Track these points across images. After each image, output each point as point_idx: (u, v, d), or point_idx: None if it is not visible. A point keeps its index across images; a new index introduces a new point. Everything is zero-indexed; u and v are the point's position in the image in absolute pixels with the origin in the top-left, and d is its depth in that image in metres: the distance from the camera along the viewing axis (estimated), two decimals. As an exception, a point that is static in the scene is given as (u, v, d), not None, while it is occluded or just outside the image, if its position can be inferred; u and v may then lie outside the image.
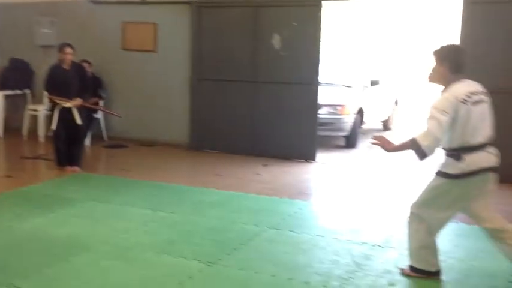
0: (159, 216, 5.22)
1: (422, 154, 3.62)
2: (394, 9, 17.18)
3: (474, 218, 3.86)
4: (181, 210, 5.43)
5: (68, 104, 6.78)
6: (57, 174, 6.79)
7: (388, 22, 19.08)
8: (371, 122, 9.97)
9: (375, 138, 3.87)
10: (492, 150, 3.72)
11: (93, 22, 9.04)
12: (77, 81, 6.92)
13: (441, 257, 3.92)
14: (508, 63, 6.62)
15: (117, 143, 8.59)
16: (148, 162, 7.63)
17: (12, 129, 9.38)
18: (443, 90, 3.72)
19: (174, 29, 8.53)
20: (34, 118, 9.09)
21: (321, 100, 7.85)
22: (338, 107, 8.65)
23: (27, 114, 9.10)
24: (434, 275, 3.90)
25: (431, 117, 3.61)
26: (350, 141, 8.97)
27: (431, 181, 3.84)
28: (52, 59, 8.47)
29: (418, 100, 15.41)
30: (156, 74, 8.73)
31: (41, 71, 9.10)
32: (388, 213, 5.43)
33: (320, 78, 7.75)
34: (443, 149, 3.74)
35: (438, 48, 3.77)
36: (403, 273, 3.99)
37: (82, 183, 6.40)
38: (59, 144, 6.90)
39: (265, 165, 7.43)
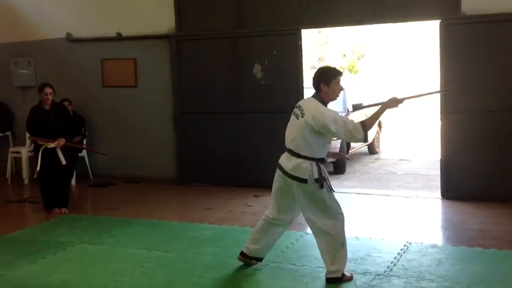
0: (154, 256, 5.11)
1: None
2: (374, 32, 17.51)
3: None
4: (176, 248, 5.32)
5: (51, 145, 6.67)
6: (45, 217, 6.63)
7: (372, 45, 19.45)
8: (357, 146, 10.00)
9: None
10: (288, 155, 4.37)
11: (72, 60, 8.97)
12: (59, 121, 6.83)
13: (446, 283, 3.89)
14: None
15: (103, 181, 8.45)
16: (136, 199, 7.51)
17: (-6, 172, 9.19)
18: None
19: (154, 63, 8.50)
20: (17, 160, 8.91)
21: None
22: (324, 133, 8.64)
23: (10, 156, 8.91)
24: None
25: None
26: (338, 167, 8.98)
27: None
28: (31, 99, 8.39)
29: (402, 122, 15.63)
30: (138, 109, 8.67)
31: (21, 112, 9.01)
32: (387, 241, 5.39)
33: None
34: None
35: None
36: (345, 279, 4.33)
37: (71, 225, 6.25)
38: (45, 187, 6.76)
39: (256, 196, 7.36)
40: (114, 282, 4.50)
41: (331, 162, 8.96)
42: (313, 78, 4.37)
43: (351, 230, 5.70)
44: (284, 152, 4.46)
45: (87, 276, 4.66)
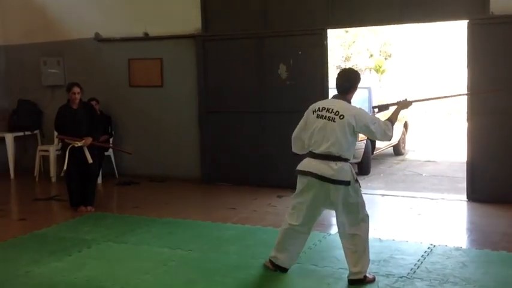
0: (177, 255, 5.15)
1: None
2: (401, 32, 17.31)
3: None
4: (199, 247, 5.35)
5: (78, 144, 6.77)
6: (71, 215, 6.74)
7: (399, 45, 19.25)
8: (382, 147, 9.91)
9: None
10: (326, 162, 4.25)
11: (100, 60, 9.10)
12: (87, 120, 6.93)
13: (470, 286, 3.84)
14: None
15: (129, 180, 8.55)
16: (160, 198, 7.58)
17: (23, 170, 9.37)
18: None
19: (180, 63, 8.56)
20: (45, 158, 9.08)
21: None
22: (348, 134, 8.60)
23: (38, 155, 9.08)
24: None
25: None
26: (363, 168, 8.91)
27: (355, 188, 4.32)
28: (60, 98, 8.54)
29: (428, 123, 15.46)
30: (164, 109, 8.74)
31: (49, 111, 9.17)
32: (411, 243, 5.34)
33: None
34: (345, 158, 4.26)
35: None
36: (367, 281, 4.29)
37: (97, 223, 6.34)
38: (72, 185, 6.87)
39: (280, 197, 7.36)
40: (138, 281, 4.55)
41: (356, 163, 8.90)
42: (348, 80, 4.35)
43: (374, 232, 5.67)
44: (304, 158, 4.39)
45: (111, 274, 4.72)
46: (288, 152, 7.71)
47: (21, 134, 9.30)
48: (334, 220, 6.37)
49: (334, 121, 4.20)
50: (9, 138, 9.17)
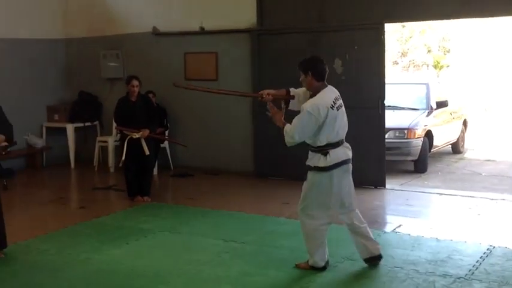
0: (231, 247, 5.20)
1: (286, 142, 4.39)
2: (459, 27, 16.82)
3: (341, 208, 4.52)
4: (252, 240, 5.39)
5: (136, 135, 6.93)
6: (128, 204, 6.91)
7: (455, 41, 18.71)
8: (440, 145, 9.67)
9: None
10: (347, 145, 4.48)
11: (157, 53, 9.26)
12: (144, 113, 7.07)
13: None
14: None
15: (183, 172, 8.68)
16: (214, 190, 7.66)
17: (82, 160, 9.68)
18: (311, 95, 4.36)
19: (235, 57, 8.61)
20: (104, 149, 9.34)
21: (387, 124, 7.69)
22: (405, 131, 8.46)
23: (97, 145, 9.36)
24: (323, 269, 4.48)
25: (300, 117, 4.26)
26: (419, 166, 8.72)
27: (307, 180, 4.46)
28: (118, 91, 8.76)
29: (488, 119, 14.96)
30: (218, 103, 8.81)
31: (108, 103, 9.43)
32: (470, 243, 5.20)
33: (385, 102, 7.60)
34: (311, 146, 4.39)
35: (301, 61, 4.47)
36: (299, 266, 4.53)
37: (153, 213, 6.48)
38: (129, 175, 7.03)
39: (333, 193, 7.30)
40: (193, 271, 4.63)
41: (412, 160, 8.73)
42: (324, 70, 4.45)
43: (431, 231, 5.58)
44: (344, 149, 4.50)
45: (167, 263, 4.82)
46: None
47: (82, 125, 9.59)
48: (389, 218, 6.34)
49: (342, 106, 4.45)
50: (70, 128, 9.48)
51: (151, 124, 7.14)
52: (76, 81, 10.01)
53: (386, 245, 5.21)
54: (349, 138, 7.52)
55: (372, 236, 4.63)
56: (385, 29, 7.51)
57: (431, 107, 9.35)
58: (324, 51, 7.86)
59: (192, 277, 4.52)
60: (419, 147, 8.56)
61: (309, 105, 4.29)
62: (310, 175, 4.44)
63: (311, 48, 7.95)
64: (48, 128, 9.63)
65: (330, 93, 4.38)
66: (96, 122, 9.77)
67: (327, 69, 4.43)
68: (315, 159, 4.39)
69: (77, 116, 9.58)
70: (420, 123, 8.82)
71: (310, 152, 4.45)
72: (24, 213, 6.61)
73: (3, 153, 5.08)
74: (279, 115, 4.51)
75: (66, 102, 9.84)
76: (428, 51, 19.25)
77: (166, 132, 8.94)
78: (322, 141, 4.33)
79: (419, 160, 8.66)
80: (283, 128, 4.39)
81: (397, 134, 8.48)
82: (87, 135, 9.79)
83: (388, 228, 5.83)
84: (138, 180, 7.03)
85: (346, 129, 4.48)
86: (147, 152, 6.97)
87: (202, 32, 8.79)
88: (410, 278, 4.37)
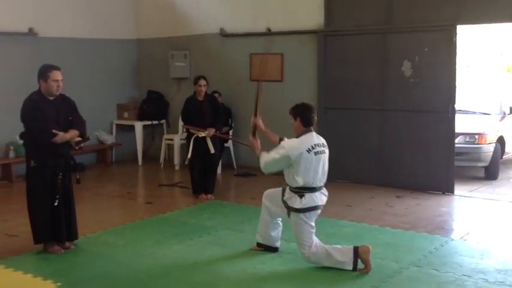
0: (292, 247, 5.16)
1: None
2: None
3: None
4: (314, 242, 5.34)
5: (202, 134, 7.04)
6: (193, 201, 7.04)
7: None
8: (511, 152, 9.27)
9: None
10: (324, 191, 4.72)
11: (223, 54, 9.38)
12: (210, 112, 7.18)
13: None
14: None
15: (246, 172, 8.74)
16: (277, 191, 7.65)
17: (149, 157, 9.96)
18: (296, 137, 4.65)
19: (301, 58, 8.59)
20: (170, 147, 9.55)
21: (457, 128, 7.45)
22: (476, 136, 8.18)
23: (164, 143, 9.59)
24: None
25: (276, 151, 4.59)
26: (490, 172, 8.40)
27: (292, 222, 4.69)
28: (185, 90, 8.94)
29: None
30: (282, 104, 8.72)
31: (175, 102, 9.64)
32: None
33: (456, 106, 7.37)
34: (290, 186, 4.65)
35: (294, 106, 4.73)
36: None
37: (216, 211, 6.57)
38: (194, 173, 7.16)
39: (398, 197, 7.16)
40: (254, 269, 4.66)
41: (482, 167, 8.42)
42: (312, 118, 4.70)
43: (501, 240, 5.36)
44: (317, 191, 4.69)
45: (229, 261, 4.87)
46: (409, 153, 7.58)
47: (149, 123, 9.86)
48: (456, 225, 6.14)
49: (324, 153, 4.66)
50: (138, 126, 9.77)
51: (217, 123, 7.24)
52: (145, 80, 10.30)
53: (453, 253, 5.06)
54: (418, 141, 7.48)
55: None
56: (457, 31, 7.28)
57: (504, 112, 8.98)
58: (392, 53, 7.73)
59: (254, 275, 4.55)
60: (491, 153, 8.25)
61: (285, 143, 4.65)
62: (291, 216, 4.68)
63: (379, 49, 7.82)
64: (117, 125, 9.97)
65: (311, 138, 4.62)
66: (163, 121, 10.01)
67: (315, 117, 4.71)
68: (292, 200, 4.63)
69: (145, 114, 9.86)
70: (492, 128, 8.50)
71: (287, 191, 4.70)
72: (94, 207, 6.87)
73: (77, 148, 5.25)
74: (256, 143, 4.91)
75: (136, 100, 10.15)
76: (502, 54, 18.48)
77: (231, 132, 9.04)
78: (298, 182, 4.55)
79: (490, 166, 8.34)
80: (260, 154, 4.76)
81: (467, 139, 8.21)
82: (154, 133, 10.05)
83: (456, 235, 5.65)
84: (203, 178, 7.14)
85: (325, 177, 4.70)
86: (213, 151, 7.08)
87: (269, 33, 8.83)
88: (479, 287, 4.22)
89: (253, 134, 4.96)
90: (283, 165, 4.62)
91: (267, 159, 4.65)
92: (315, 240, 4.65)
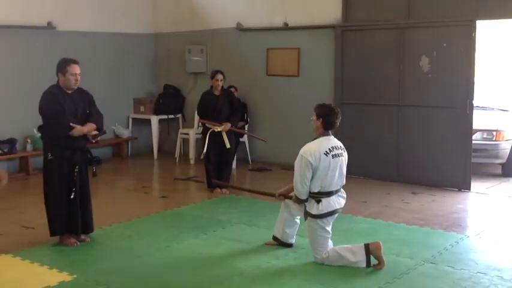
0: (306, 243, 5.13)
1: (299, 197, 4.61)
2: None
3: None
4: (328, 237, 5.33)
5: (218, 128, 7.06)
6: (207, 196, 7.07)
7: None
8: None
9: None
10: (342, 194, 4.67)
11: (240, 49, 9.38)
12: (227, 107, 7.20)
13: None
14: None
15: (261, 167, 8.75)
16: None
17: (165, 151, 10.01)
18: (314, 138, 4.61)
19: (317, 53, 8.56)
20: (185, 141, 9.60)
21: (474, 125, 7.37)
22: (494, 132, 8.08)
23: (179, 137, 9.63)
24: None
25: (296, 166, 4.54)
26: (507, 170, 8.28)
27: (307, 226, 4.68)
28: (201, 85, 8.96)
29: None
30: (298, 99, 8.79)
31: (191, 96, 9.67)
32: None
33: (473, 102, 7.29)
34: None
35: (320, 104, 4.70)
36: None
37: (231, 205, 6.58)
38: (209, 167, 7.18)
39: (414, 193, 7.11)
40: (268, 264, 4.66)
41: (500, 164, 8.33)
42: (335, 123, 4.68)
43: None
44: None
45: (243, 255, 4.88)
46: (426, 149, 7.52)
47: (165, 117, 9.90)
48: (472, 222, 6.09)
49: (342, 156, 4.60)
50: (154, 120, 9.81)
51: (233, 118, 7.25)
52: (162, 74, 10.34)
53: (468, 250, 5.03)
54: (435, 137, 7.42)
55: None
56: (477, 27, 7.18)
57: (523, 108, 8.86)
58: (410, 48, 7.66)
59: (268, 269, 4.56)
60: (508, 150, 8.14)
61: (302, 149, 4.55)
62: (307, 222, 4.66)
63: (397, 44, 7.76)
64: (134, 119, 10.03)
65: (328, 142, 4.58)
66: (179, 115, 10.05)
67: (338, 123, 4.65)
68: (309, 205, 4.59)
69: (161, 108, 9.89)
70: (510, 125, 8.38)
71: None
72: (110, 200, 6.92)
73: (94, 141, 5.29)
74: (283, 196, 4.90)
75: (152, 94, 10.19)
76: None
77: (246, 127, 9.05)
78: (315, 187, 4.51)
79: (508, 163, 8.23)
80: (295, 193, 4.66)
81: (485, 136, 8.11)
82: (170, 127, 10.09)
83: (471, 232, 5.59)
84: (218, 172, 7.16)
85: (343, 180, 4.65)
86: (228, 146, 7.09)
87: (286, 27, 8.81)
88: (494, 284, 4.19)
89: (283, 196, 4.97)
90: (310, 173, 4.49)
91: (296, 178, 4.55)
92: (330, 244, 4.64)
